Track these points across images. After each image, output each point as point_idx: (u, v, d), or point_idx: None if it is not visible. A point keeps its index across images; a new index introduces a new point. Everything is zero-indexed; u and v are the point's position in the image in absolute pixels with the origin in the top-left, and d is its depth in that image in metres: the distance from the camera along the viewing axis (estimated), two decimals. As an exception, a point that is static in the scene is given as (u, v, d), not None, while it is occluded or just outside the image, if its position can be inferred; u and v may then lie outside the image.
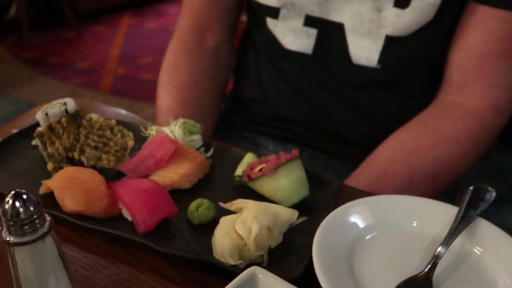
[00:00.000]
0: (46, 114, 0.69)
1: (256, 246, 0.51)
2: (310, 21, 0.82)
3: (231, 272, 0.50)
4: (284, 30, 0.85)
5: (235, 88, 1.02)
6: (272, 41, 0.88)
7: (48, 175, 0.64)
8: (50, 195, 0.60)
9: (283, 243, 0.54)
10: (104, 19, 4.03)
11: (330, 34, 0.82)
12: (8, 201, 0.35)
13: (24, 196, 0.35)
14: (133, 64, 3.22)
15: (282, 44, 0.87)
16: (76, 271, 0.52)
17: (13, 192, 0.35)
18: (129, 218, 0.57)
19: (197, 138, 0.71)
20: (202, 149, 0.71)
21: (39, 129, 0.67)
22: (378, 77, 0.82)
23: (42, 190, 0.61)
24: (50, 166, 0.66)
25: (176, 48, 0.93)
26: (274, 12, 0.85)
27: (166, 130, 0.70)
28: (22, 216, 0.35)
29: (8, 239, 0.36)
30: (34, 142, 0.73)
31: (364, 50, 0.80)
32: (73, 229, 0.58)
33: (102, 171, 0.65)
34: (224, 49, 0.96)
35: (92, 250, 0.55)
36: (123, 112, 0.90)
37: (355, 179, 0.76)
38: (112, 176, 0.66)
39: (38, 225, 0.36)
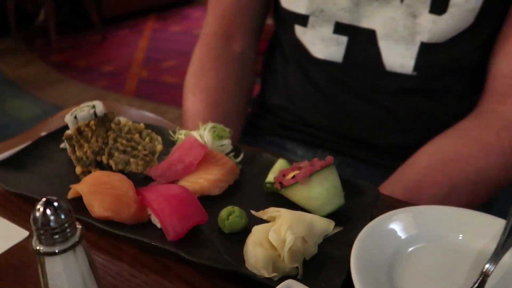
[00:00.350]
0: (75, 117, 0.68)
1: (290, 257, 0.49)
2: (340, 28, 0.80)
3: (265, 284, 0.47)
4: (313, 38, 0.83)
5: (262, 94, 1.01)
6: (300, 48, 0.86)
7: (77, 179, 0.64)
8: (78, 199, 0.59)
9: (318, 255, 0.52)
10: (129, 23, 4.07)
11: (362, 42, 0.79)
12: (39, 209, 0.33)
13: (56, 204, 0.34)
14: (157, 68, 3.24)
15: (311, 52, 0.84)
16: (104, 279, 0.50)
17: (44, 199, 0.34)
18: (158, 225, 0.56)
19: (227, 143, 0.69)
20: (232, 154, 0.69)
21: (68, 132, 0.67)
22: (414, 84, 0.79)
23: (70, 195, 0.60)
24: (78, 170, 0.65)
25: (202, 53, 0.92)
26: (303, 20, 0.82)
27: (195, 134, 0.68)
28: (53, 224, 0.33)
29: (38, 248, 0.34)
30: (63, 145, 0.72)
31: (398, 57, 0.77)
32: (102, 236, 0.57)
33: (130, 175, 0.64)
34: (249, 54, 0.95)
35: (120, 258, 0.54)
36: (150, 115, 0.89)
37: (389, 187, 0.73)
38: (140, 181, 0.65)
39: (69, 234, 0.35)
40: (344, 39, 0.80)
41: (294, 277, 0.48)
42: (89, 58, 3.43)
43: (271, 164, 0.66)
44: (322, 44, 0.82)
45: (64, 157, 0.69)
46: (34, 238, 0.34)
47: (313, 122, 0.90)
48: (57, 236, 0.34)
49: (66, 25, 3.82)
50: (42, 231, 0.34)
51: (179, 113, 0.90)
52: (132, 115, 0.87)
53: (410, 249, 0.51)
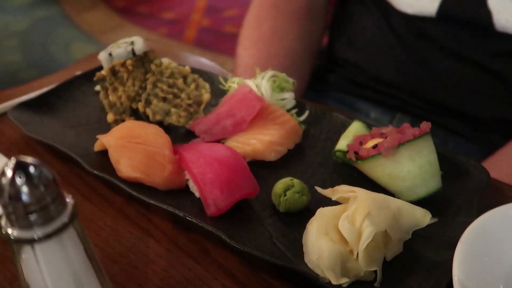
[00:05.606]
0: (110, 55, 0.57)
1: (367, 257, 0.36)
2: None
3: (330, 291, 0.35)
4: None
5: (330, 45, 0.86)
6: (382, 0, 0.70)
7: (109, 128, 0.53)
8: (106, 153, 0.49)
9: (404, 256, 0.39)
10: (194, -32, 3.93)
11: None
12: (5, 174, 0.22)
13: (31, 169, 0.22)
14: (219, 16, 3.12)
15: (394, 6, 0.68)
16: (123, 257, 0.40)
17: (13, 160, 0.22)
18: (197, 194, 0.45)
19: (289, 97, 0.56)
20: (294, 111, 0.56)
21: (101, 72, 0.56)
22: None
23: (97, 147, 0.50)
24: (110, 117, 0.55)
25: (260, 2, 0.81)
26: None
27: (250, 83, 0.55)
28: (26, 199, 0.22)
29: (9, 231, 0.24)
30: (98, 88, 0.62)
31: None
32: (129, 201, 0.46)
33: (169, 129, 0.53)
34: (318, 5, 0.81)
35: (148, 231, 0.43)
36: (207, 62, 0.77)
37: (494, 171, 0.57)
38: (180, 136, 0.54)
39: (53, 213, 0.24)
40: None
41: (370, 284, 0.36)
42: (151, 4, 3.36)
43: (344, 126, 0.53)
44: None
45: (99, 102, 0.59)
46: (3, 217, 0.24)
47: (392, 81, 0.75)
48: (34, 216, 0.23)
49: (131, -31, 3.75)
50: (11, 208, 0.23)
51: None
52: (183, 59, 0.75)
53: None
